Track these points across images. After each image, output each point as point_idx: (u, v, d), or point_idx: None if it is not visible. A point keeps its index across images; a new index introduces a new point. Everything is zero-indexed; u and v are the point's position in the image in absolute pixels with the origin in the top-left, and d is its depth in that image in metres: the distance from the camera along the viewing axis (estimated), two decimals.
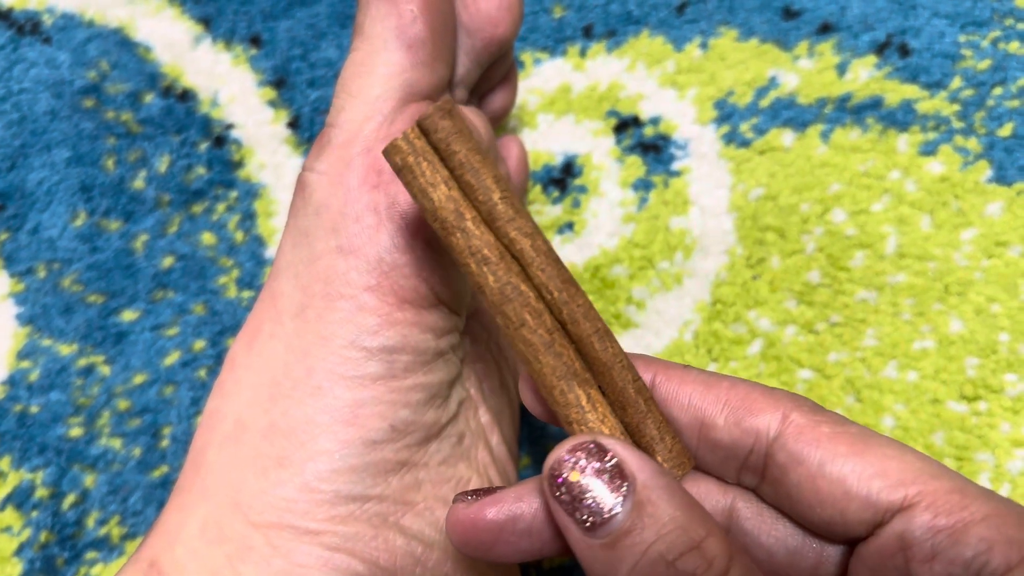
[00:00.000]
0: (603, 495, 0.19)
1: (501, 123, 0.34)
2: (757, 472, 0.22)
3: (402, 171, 0.21)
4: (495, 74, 0.29)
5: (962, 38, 0.34)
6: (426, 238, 0.24)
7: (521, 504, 0.21)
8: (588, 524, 0.19)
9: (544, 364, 0.21)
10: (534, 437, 0.32)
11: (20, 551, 0.31)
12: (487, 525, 0.21)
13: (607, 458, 0.19)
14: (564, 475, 0.19)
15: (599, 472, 0.19)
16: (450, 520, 0.22)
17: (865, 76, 0.34)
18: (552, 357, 0.21)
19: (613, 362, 0.21)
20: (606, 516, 0.19)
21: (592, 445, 0.19)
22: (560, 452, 0.20)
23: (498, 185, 0.21)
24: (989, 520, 0.19)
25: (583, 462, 0.19)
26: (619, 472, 0.19)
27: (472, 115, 0.28)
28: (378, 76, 0.25)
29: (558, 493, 0.19)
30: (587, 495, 0.19)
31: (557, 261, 0.21)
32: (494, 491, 0.22)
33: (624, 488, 0.19)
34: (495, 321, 0.21)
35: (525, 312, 0.21)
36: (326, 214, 0.24)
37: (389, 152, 0.21)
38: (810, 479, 0.20)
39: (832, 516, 0.20)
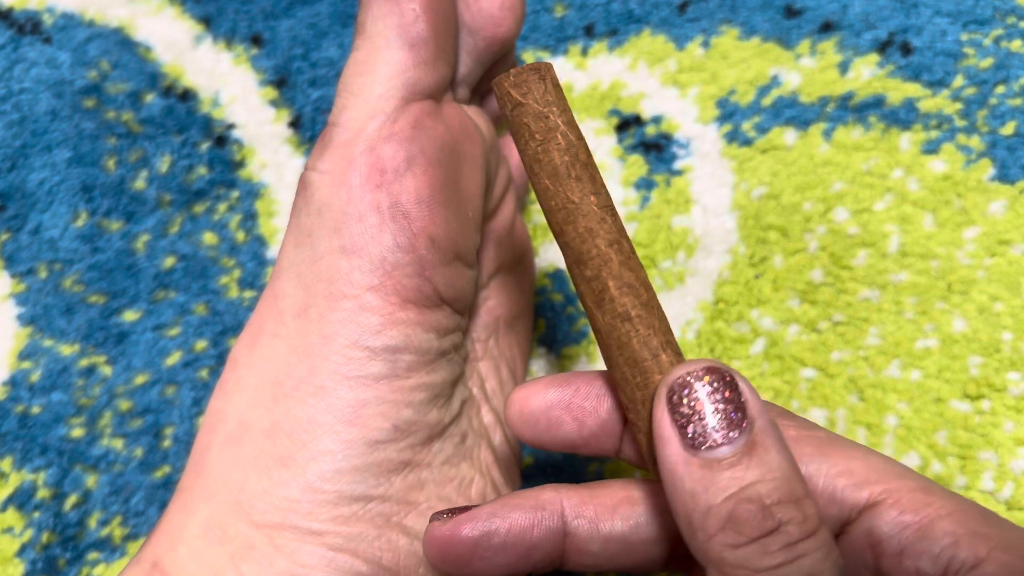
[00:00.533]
0: (721, 422, 0.19)
1: (503, 122, 0.34)
2: None
3: (558, 88, 0.22)
4: (497, 73, 0.29)
5: (964, 36, 0.34)
6: (430, 236, 0.24)
7: (495, 520, 0.22)
8: (696, 442, 0.19)
9: (654, 298, 0.21)
10: None
11: (22, 552, 0.31)
12: (462, 541, 0.21)
13: (738, 390, 0.19)
14: (693, 388, 0.19)
15: (726, 401, 0.19)
16: (427, 539, 0.22)
17: (867, 74, 0.34)
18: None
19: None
20: (717, 442, 0.19)
21: (727, 374, 0.19)
22: (695, 367, 0.20)
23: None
24: (954, 516, 0.19)
25: (716, 384, 0.19)
26: (742, 408, 0.19)
27: (475, 114, 0.28)
28: (380, 75, 0.25)
29: (678, 400, 0.19)
30: (706, 416, 0.19)
31: None
32: (468, 509, 0.22)
33: (744, 424, 0.19)
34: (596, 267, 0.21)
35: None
36: (328, 214, 0.24)
37: (538, 67, 0.21)
38: None
39: None
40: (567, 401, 0.22)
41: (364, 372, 0.23)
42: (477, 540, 0.21)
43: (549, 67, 0.22)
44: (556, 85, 0.22)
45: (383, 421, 0.23)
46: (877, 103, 0.34)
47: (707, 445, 0.19)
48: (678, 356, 0.21)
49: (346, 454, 0.23)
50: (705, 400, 0.19)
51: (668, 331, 0.21)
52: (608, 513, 0.22)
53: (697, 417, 0.19)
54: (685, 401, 0.19)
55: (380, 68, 0.25)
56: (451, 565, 0.22)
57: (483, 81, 0.29)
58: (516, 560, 0.22)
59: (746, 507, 0.18)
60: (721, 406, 0.19)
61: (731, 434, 0.19)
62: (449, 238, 0.24)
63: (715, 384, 0.19)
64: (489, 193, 0.28)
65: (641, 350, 0.21)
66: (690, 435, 0.19)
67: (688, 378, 0.19)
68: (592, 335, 0.33)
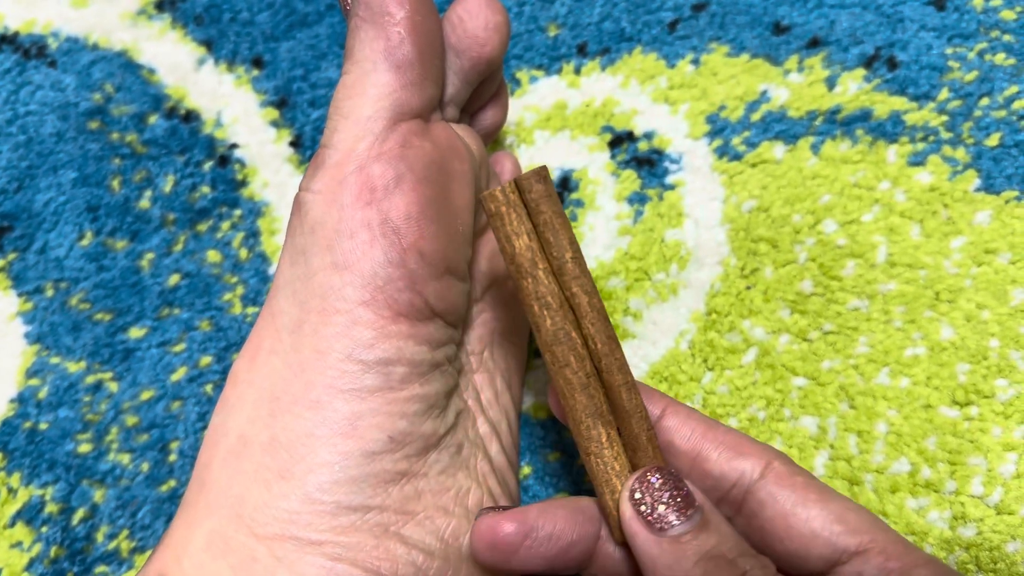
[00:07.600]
0: (675, 510, 0.23)
1: (494, 139, 0.35)
2: (734, 505, 0.25)
3: (493, 216, 0.24)
4: (485, 92, 0.30)
5: (949, 50, 0.35)
6: (420, 251, 0.24)
7: (542, 519, 0.24)
8: (660, 527, 0.22)
9: (577, 401, 0.24)
10: (534, 447, 0.32)
11: (31, 566, 0.31)
12: (511, 534, 0.24)
13: (681, 484, 0.23)
14: (648, 491, 0.23)
15: (674, 491, 0.23)
16: (478, 531, 0.24)
17: (854, 89, 0.35)
18: (585, 396, 0.24)
19: (634, 412, 0.24)
20: (676, 523, 0.22)
21: (670, 473, 0.23)
22: (642, 473, 0.24)
23: (571, 246, 0.24)
24: (929, 566, 0.22)
25: (665, 478, 0.23)
26: (689, 496, 0.23)
27: (464, 133, 0.28)
28: (369, 97, 0.25)
29: (640, 504, 0.23)
30: (664, 508, 0.23)
31: (606, 319, 0.24)
32: (515, 507, 0.25)
33: (695, 505, 0.23)
34: (536, 353, 0.24)
35: (571, 355, 0.24)
36: (321, 232, 0.25)
37: (486, 199, 0.24)
38: (783, 516, 0.24)
39: (797, 549, 0.23)
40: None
41: (358, 385, 0.24)
42: (526, 533, 0.24)
43: (513, 183, 0.24)
44: (519, 200, 0.24)
45: (379, 433, 0.24)
46: (864, 117, 0.34)
47: (670, 527, 0.22)
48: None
49: (343, 465, 0.23)
50: (661, 495, 0.23)
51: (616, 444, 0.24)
52: None
53: (656, 507, 0.23)
54: (644, 502, 0.23)
55: (369, 91, 0.25)
56: (498, 554, 0.24)
57: (472, 100, 0.30)
58: (556, 554, 0.24)
59: (715, 563, 0.22)
60: (674, 494, 0.23)
61: (686, 514, 0.23)
62: (439, 252, 0.25)
63: (667, 480, 0.23)
64: (480, 208, 0.29)
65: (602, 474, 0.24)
66: (657, 523, 0.23)
67: (642, 481, 0.23)
68: None
